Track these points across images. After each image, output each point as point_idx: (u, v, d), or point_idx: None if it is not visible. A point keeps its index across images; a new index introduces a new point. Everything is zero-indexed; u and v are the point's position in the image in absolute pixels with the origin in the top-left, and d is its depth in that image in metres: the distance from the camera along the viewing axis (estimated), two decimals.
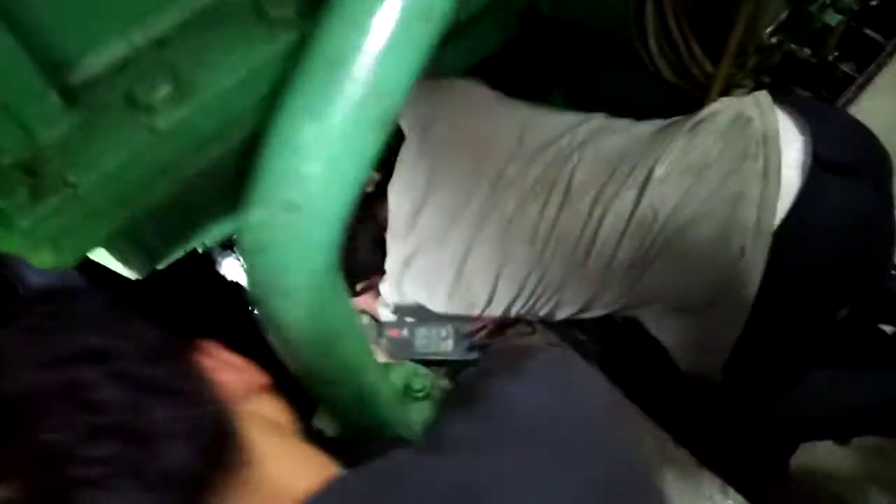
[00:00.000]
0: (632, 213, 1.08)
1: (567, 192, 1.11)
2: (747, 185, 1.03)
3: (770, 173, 1.02)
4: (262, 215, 0.48)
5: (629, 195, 1.08)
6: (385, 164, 1.21)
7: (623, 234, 1.08)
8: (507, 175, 1.15)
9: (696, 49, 1.18)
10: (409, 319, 1.23)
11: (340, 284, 0.55)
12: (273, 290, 0.51)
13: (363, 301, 1.24)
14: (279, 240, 0.48)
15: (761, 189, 1.01)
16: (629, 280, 1.11)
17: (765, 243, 1.01)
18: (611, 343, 1.61)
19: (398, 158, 1.21)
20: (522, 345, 0.72)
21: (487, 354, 0.66)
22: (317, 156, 0.47)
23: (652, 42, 1.20)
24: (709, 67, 1.21)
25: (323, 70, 0.47)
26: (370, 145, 0.49)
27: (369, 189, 1.29)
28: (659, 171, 1.07)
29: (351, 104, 0.47)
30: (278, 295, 0.51)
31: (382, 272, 1.21)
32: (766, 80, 1.45)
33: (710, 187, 1.04)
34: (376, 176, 1.33)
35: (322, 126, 0.47)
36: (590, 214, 1.10)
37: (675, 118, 1.17)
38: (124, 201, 0.53)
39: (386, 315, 1.21)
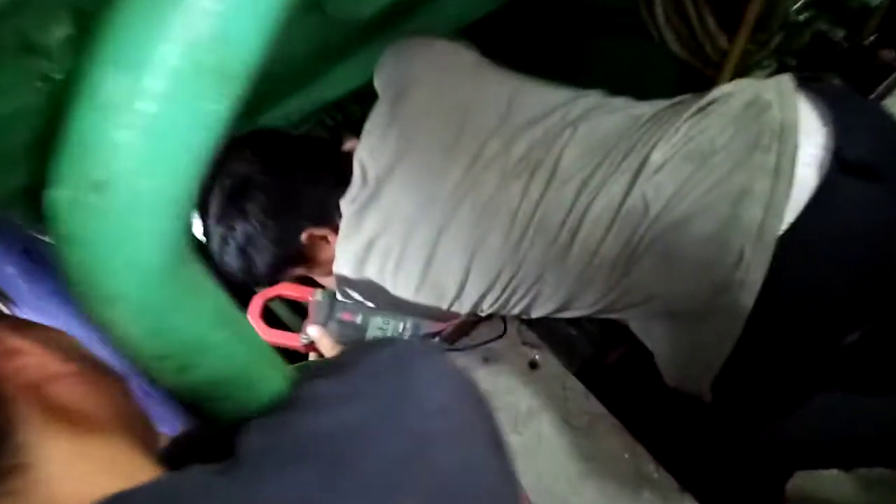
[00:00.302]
0: (621, 203, 0.94)
1: (552, 174, 0.98)
2: (754, 181, 0.88)
3: (782, 169, 0.87)
4: (66, 195, 0.36)
5: (620, 182, 0.94)
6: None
7: (610, 225, 0.95)
8: (488, 152, 1.01)
9: (710, 21, 1.03)
10: (367, 304, 1.10)
11: (189, 288, 0.42)
12: (92, 294, 0.39)
13: (322, 277, 1.11)
14: (90, 228, 0.36)
15: (770, 186, 0.87)
16: (613, 278, 0.98)
17: (767, 249, 0.87)
18: (604, 342, 1.49)
19: (366, 123, 1.08)
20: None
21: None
22: (130, 118, 0.34)
23: (659, 10, 1.05)
24: (723, 42, 1.06)
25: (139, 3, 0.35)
26: (205, 107, 0.36)
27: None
28: (655, 157, 0.93)
29: (177, 49, 0.34)
30: (99, 302, 0.39)
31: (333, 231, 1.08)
32: (791, 62, 1.29)
33: (711, 179, 0.90)
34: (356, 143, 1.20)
35: (137, 77, 0.34)
36: (575, 201, 0.96)
37: (680, 98, 1.02)
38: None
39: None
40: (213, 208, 1.02)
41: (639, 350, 1.20)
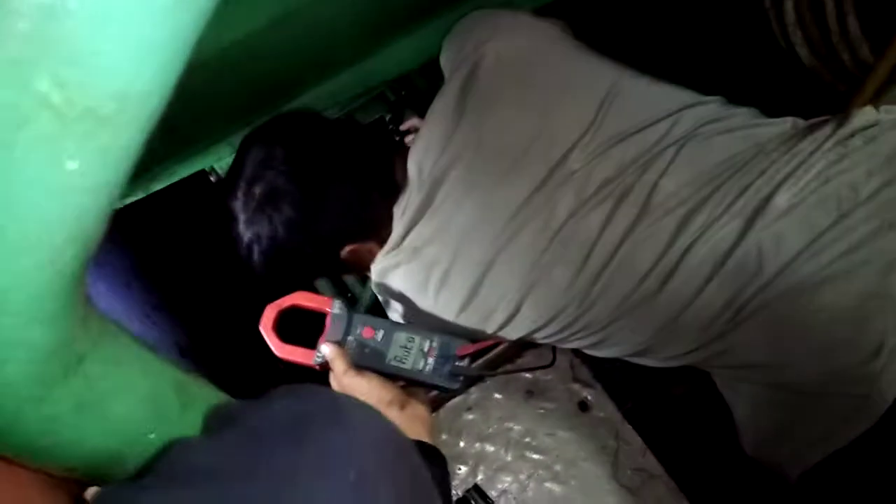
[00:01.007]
0: (729, 252, 0.76)
1: (645, 206, 0.79)
2: None
3: None
4: None
5: (732, 225, 0.76)
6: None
7: (711, 276, 0.77)
8: (566, 167, 0.83)
9: (854, 24, 0.82)
10: (392, 317, 0.96)
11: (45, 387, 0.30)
12: None
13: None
14: None
15: None
16: (705, 338, 0.81)
17: None
18: (663, 373, 1.32)
19: (430, 109, 0.92)
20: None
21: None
22: None
23: (790, 4, 0.85)
24: (866, 53, 0.85)
25: None
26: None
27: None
28: (781, 199, 0.74)
29: None
30: None
31: (379, 244, 0.94)
32: None
33: (852, 239, 0.71)
34: (418, 122, 1.04)
35: None
36: (672, 242, 0.78)
37: (815, 120, 0.82)
38: None
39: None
40: (240, 210, 0.88)
41: (701, 397, 1.03)
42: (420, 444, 0.78)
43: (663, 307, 0.79)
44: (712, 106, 0.85)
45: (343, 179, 0.87)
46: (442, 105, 0.90)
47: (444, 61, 0.96)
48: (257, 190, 0.85)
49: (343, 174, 0.87)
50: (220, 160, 1.08)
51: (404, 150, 0.92)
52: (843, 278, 0.71)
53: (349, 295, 1.31)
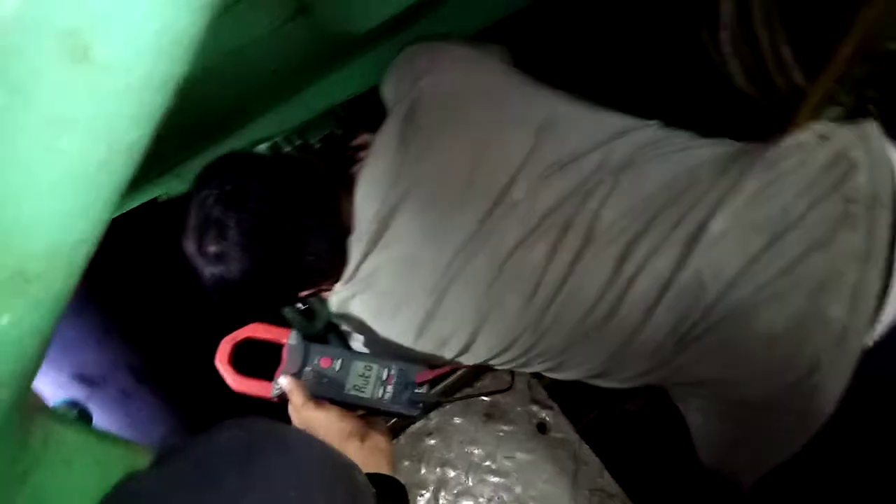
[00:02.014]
0: (670, 280, 0.77)
1: (588, 237, 0.81)
2: (839, 270, 0.72)
3: (874, 254, 0.71)
4: None
5: (671, 254, 0.78)
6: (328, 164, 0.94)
7: (655, 304, 0.78)
8: (512, 194, 0.84)
9: (787, 53, 0.85)
10: (354, 346, 0.96)
11: None
12: None
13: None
14: None
15: (858, 277, 0.71)
16: (656, 359, 0.83)
17: (851, 357, 0.71)
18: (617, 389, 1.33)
19: (374, 141, 0.92)
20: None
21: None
22: None
23: (725, 34, 0.88)
24: (799, 79, 0.88)
25: None
26: None
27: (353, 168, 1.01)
28: (716, 226, 0.76)
29: None
30: None
31: (334, 281, 0.94)
32: (873, 94, 1.10)
33: (783, 261, 0.73)
34: (369, 138, 1.04)
35: None
36: (615, 273, 0.79)
37: (747, 146, 0.84)
38: None
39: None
40: (194, 253, 0.86)
41: (663, 405, 1.05)
42: (380, 477, 0.78)
43: (614, 334, 0.80)
44: (649, 131, 0.87)
45: (296, 229, 0.86)
46: (384, 140, 0.90)
47: (385, 94, 0.97)
48: (210, 243, 0.84)
49: (296, 221, 0.86)
50: (169, 191, 1.07)
51: (350, 184, 0.91)
52: (778, 300, 0.73)
53: (306, 307, 1.30)
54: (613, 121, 0.88)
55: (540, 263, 0.81)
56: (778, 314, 0.73)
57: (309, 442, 0.38)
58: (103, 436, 0.40)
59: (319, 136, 1.34)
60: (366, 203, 0.89)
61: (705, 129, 0.89)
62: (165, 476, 0.35)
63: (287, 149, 1.30)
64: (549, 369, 0.92)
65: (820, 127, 0.83)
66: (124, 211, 1.02)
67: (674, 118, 0.90)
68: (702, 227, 0.76)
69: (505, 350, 0.88)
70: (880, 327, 0.73)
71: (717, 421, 0.89)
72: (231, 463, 0.35)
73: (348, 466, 0.41)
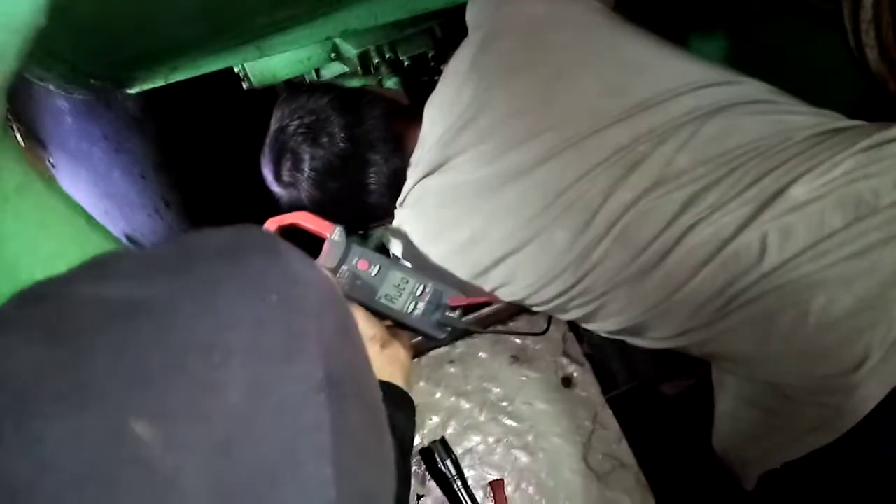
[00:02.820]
0: (733, 237, 0.72)
1: (656, 180, 0.75)
2: None
3: None
4: None
5: (740, 212, 0.72)
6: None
7: (709, 259, 0.73)
8: (576, 129, 0.79)
9: None
10: (392, 256, 0.94)
11: None
12: None
13: None
14: None
15: None
16: (694, 322, 0.77)
17: None
18: (657, 369, 1.27)
19: (447, 67, 0.90)
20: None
21: None
22: None
23: (868, 2, 0.79)
24: None
25: None
26: None
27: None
28: (797, 191, 0.70)
29: None
30: None
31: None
32: None
33: (861, 244, 0.67)
34: (404, 99, 1.03)
35: None
36: (675, 218, 0.74)
37: (857, 123, 0.77)
38: None
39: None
40: (265, 160, 0.94)
41: (701, 397, 0.99)
42: (391, 387, 0.76)
43: (658, 283, 0.76)
44: (749, 87, 0.80)
45: (366, 169, 0.91)
46: (455, 66, 0.88)
47: (469, 16, 0.93)
48: (284, 170, 0.91)
49: (366, 162, 0.91)
50: (245, 60, 1.05)
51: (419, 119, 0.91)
52: (843, 284, 0.67)
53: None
54: (715, 71, 0.81)
55: (596, 197, 0.77)
56: (838, 299, 0.67)
57: (308, 265, 0.35)
58: (90, 219, 0.39)
59: (412, 54, 1.31)
60: (430, 129, 0.88)
61: (820, 101, 0.81)
62: (146, 255, 0.34)
63: (377, 61, 1.28)
64: (586, 316, 0.87)
65: None
66: (200, 73, 1.01)
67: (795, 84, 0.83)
68: (782, 190, 0.70)
69: (545, 286, 0.84)
70: None
71: (745, 405, 0.84)
72: (215, 255, 0.33)
73: (343, 302, 0.39)
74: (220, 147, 1.43)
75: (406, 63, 1.32)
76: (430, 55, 1.33)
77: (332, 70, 1.35)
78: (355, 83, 1.34)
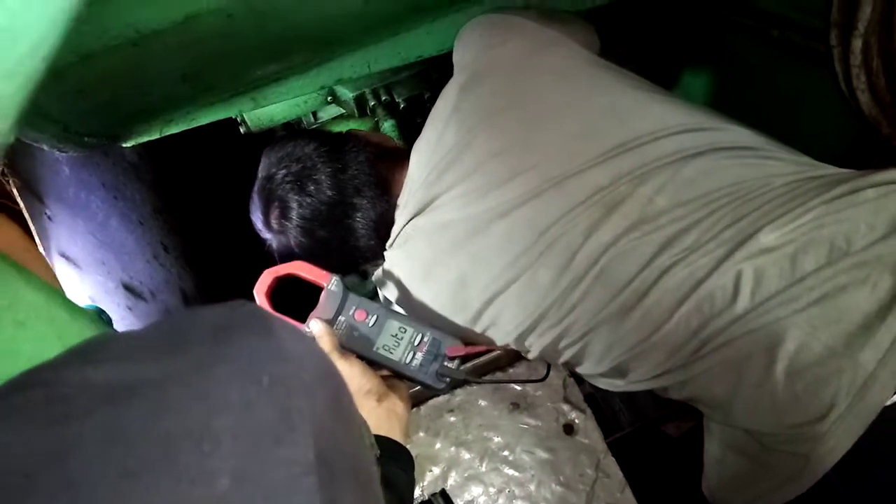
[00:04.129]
0: (706, 278, 0.71)
1: (635, 221, 0.76)
2: (883, 315, 0.65)
3: None
4: None
5: (714, 253, 0.72)
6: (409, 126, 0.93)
7: (684, 300, 0.73)
8: (557, 169, 0.80)
9: None
10: (390, 305, 0.93)
11: None
12: None
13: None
14: None
15: None
16: (672, 363, 0.77)
17: (867, 415, 0.65)
18: (659, 411, 1.26)
19: (434, 106, 0.91)
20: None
21: None
22: None
23: (858, 42, 0.78)
24: None
25: None
26: None
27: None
28: (770, 235, 0.70)
29: None
30: None
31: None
32: None
33: (830, 288, 0.67)
34: (398, 142, 1.04)
35: None
36: (653, 258, 0.74)
37: (838, 170, 0.76)
38: None
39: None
40: (254, 206, 0.94)
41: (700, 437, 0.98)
42: (389, 442, 0.75)
43: (637, 324, 0.75)
44: (736, 133, 0.80)
45: (354, 216, 0.91)
46: (439, 108, 0.89)
47: (455, 58, 0.94)
48: (273, 217, 0.91)
49: (354, 209, 0.91)
50: (241, 111, 1.06)
51: (406, 160, 0.92)
52: (811, 330, 0.66)
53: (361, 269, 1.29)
54: (691, 115, 0.82)
55: (577, 238, 0.77)
56: (806, 346, 0.67)
57: (300, 339, 0.35)
58: (73, 309, 0.38)
59: (407, 96, 1.32)
60: (416, 170, 0.89)
61: (808, 147, 0.80)
62: (136, 337, 0.34)
63: (373, 103, 1.29)
64: (575, 357, 0.86)
65: None
66: (195, 126, 1.02)
67: (776, 130, 0.83)
68: (755, 233, 0.69)
69: (532, 327, 0.83)
70: None
71: (731, 455, 0.83)
72: (208, 336, 0.33)
73: (337, 376, 0.38)
74: (218, 189, 1.43)
75: (402, 105, 1.33)
76: (426, 96, 1.34)
77: (328, 112, 1.36)
78: (352, 125, 1.35)
